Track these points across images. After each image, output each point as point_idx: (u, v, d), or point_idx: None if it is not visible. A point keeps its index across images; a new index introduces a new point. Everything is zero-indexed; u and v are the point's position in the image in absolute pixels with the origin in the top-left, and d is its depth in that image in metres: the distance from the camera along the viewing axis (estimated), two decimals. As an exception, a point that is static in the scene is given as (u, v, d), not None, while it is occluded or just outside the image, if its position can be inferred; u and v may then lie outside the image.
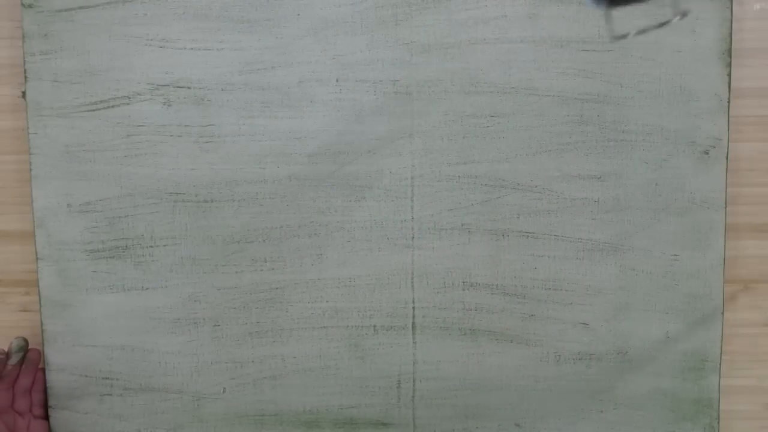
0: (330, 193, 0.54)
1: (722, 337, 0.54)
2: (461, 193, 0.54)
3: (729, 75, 0.52)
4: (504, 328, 0.55)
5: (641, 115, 0.53)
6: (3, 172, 0.57)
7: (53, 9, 0.53)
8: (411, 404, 0.56)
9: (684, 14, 0.42)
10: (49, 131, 0.54)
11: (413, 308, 0.55)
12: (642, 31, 0.45)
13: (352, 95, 0.53)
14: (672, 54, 0.52)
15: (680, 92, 0.53)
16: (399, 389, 0.56)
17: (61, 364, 0.55)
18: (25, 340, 0.53)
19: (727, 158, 0.53)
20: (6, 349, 0.53)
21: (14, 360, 0.53)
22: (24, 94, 0.54)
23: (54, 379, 0.56)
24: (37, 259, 0.55)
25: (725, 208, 0.53)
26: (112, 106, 0.54)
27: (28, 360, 0.54)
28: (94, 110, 0.54)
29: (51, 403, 0.56)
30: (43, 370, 0.56)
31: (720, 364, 0.54)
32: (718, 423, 0.55)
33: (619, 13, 0.43)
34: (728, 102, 0.53)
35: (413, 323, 0.55)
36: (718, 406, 0.55)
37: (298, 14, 0.53)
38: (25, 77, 0.54)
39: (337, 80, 0.53)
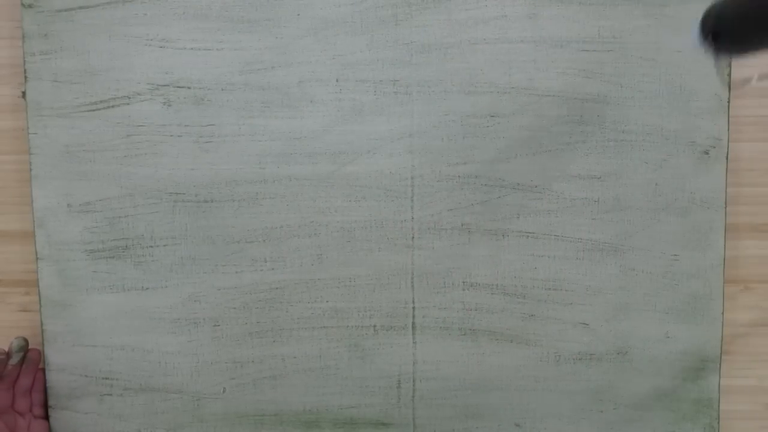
0: (330, 193, 0.54)
1: (722, 337, 0.54)
2: (461, 193, 0.54)
3: (729, 75, 0.52)
4: (504, 328, 0.55)
5: (641, 115, 0.53)
6: (3, 172, 0.57)
7: (53, 9, 0.53)
8: (411, 404, 0.56)
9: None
10: (49, 131, 0.54)
11: (413, 308, 0.55)
12: (765, 77, 0.43)
13: (352, 95, 0.53)
14: (672, 54, 0.52)
15: (680, 92, 0.53)
16: (399, 389, 0.56)
17: (61, 364, 0.55)
18: (26, 340, 0.53)
19: (727, 158, 0.53)
20: (6, 349, 0.53)
21: (15, 360, 0.53)
22: (24, 94, 0.54)
23: (54, 379, 0.56)
24: (37, 259, 0.55)
25: (725, 208, 0.53)
26: (112, 106, 0.54)
27: (29, 360, 0.54)
28: (94, 110, 0.54)
29: (51, 403, 0.56)
30: (43, 370, 0.56)
31: (720, 364, 0.54)
32: (718, 423, 0.55)
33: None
34: (728, 102, 0.53)
35: (413, 323, 0.55)
36: (718, 406, 0.55)
37: (298, 14, 0.53)
38: (25, 77, 0.54)
39: (337, 80, 0.53)
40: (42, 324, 0.55)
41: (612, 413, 0.55)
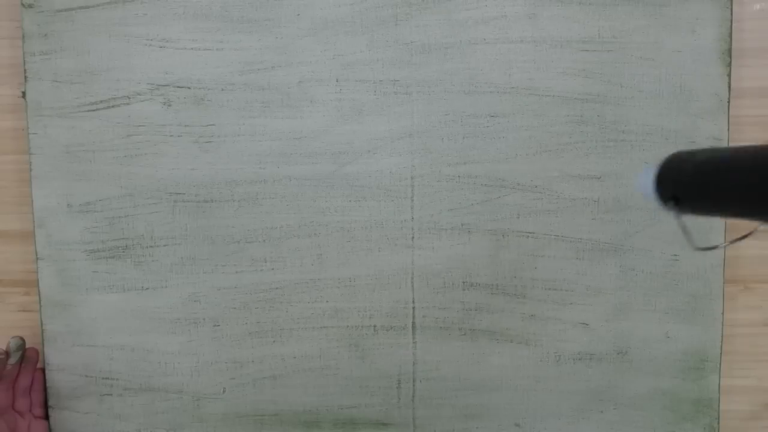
0: (330, 193, 0.54)
1: (722, 337, 0.54)
2: (461, 193, 0.54)
3: (729, 75, 0.52)
4: (504, 328, 0.55)
5: (641, 115, 0.53)
6: (3, 172, 0.57)
7: (53, 9, 0.53)
8: (411, 404, 0.56)
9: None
10: (49, 131, 0.54)
11: (413, 308, 0.55)
12: (733, 241, 0.42)
13: (352, 95, 0.53)
14: (672, 54, 0.52)
15: (680, 92, 0.53)
16: (399, 389, 0.56)
17: (61, 364, 0.55)
18: (22, 339, 0.53)
19: (727, 158, 0.53)
20: (4, 349, 0.52)
21: (13, 359, 0.53)
22: (24, 94, 0.54)
23: (54, 379, 0.56)
24: (37, 259, 0.55)
25: (725, 208, 0.53)
26: (112, 106, 0.54)
27: (27, 359, 0.54)
28: (94, 110, 0.54)
29: (51, 403, 0.56)
30: (43, 370, 0.56)
31: (720, 364, 0.54)
32: (718, 423, 0.55)
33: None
34: (728, 102, 0.53)
35: (413, 323, 0.55)
36: (718, 406, 0.55)
37: (298, 14, 0.53)
38: (25, 77, 0.54)
39: (337, 80, 0.53)
40: (42, 324, 0.55)
41: (612, 413, 0.55)
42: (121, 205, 0.54)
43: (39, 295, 0.55)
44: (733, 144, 0.54)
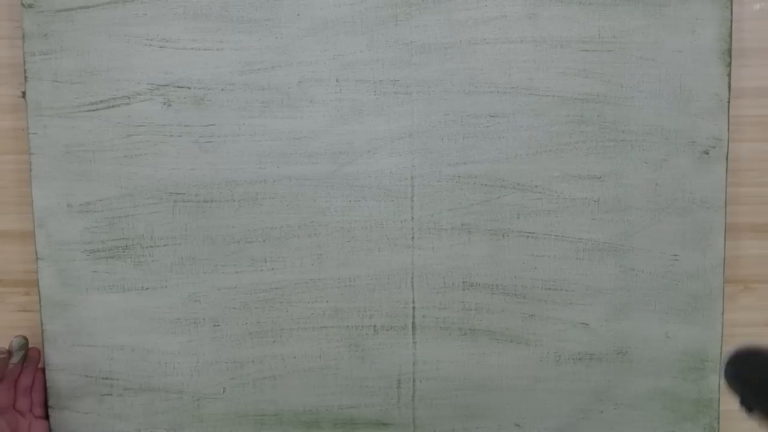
0: (330, 193, 0.54)
1: (722, 337, 0.54)
2: (461, 193, 0.54)
3: (729, 75, 0.52)
4: (504, 328, 0.55)
5: (641, 115, 0.53)
6: (3, 172, 0.57)
7: (53, 9, 0.53)
8: (411, 404, 0.56)
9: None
10: (49, 131, 0.54)
11: (413, 308, 0.55)
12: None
13: (352, 95, 0.53)
14: (672, 54, 0.52)
15: (680, 92, 0.53)
16: (399, 389, 0.56)
17: (61, 364, 0.55)
18: (25, 339, 0.53)
19: (727, 158, 0.53)
20: (7, 348, 0.52)
21: (16, 359, 0.53)
22: (24, 94, 0.54)
23: (54, 379, 0.56)
24: (37, 259, 0.55)
25: (725, 207, 0.53)
26: (112, 106, 0.54)
27: (29, 359, 0.54)
28: (94, 110, 0.54)
29: (51, 403, 0.56)
30: (43, 370, 0.56)
31: (720, 364, 0.54)
32: (718, 423, 0.55)
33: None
34: (728, 102, 0.53)
35: (413, 323, 0.55)
36: (718, 406, 0.55)
37: (298, 14, 0.53)
38: (25, 77, 0.54)
39: (337, 80, 0.53)
40: (42, 324, 0.55)
41: (612, 413, 0.55)
42: (121, 205, 0.54)
43: (39, 295, 0.55)
44: (733, 143, 0.54)
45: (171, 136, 0.54)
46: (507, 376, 0.55)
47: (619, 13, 0.52)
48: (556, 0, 0.52)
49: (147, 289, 0.55)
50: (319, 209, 0.54)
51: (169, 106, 0.54)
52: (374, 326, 0.55)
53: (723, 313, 0.54)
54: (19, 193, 0.57)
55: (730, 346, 0.41)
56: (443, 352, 0.55)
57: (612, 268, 0.54)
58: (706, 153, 0.53)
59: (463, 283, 0.54)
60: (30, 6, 0.53)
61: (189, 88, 0.54)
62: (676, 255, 0.54)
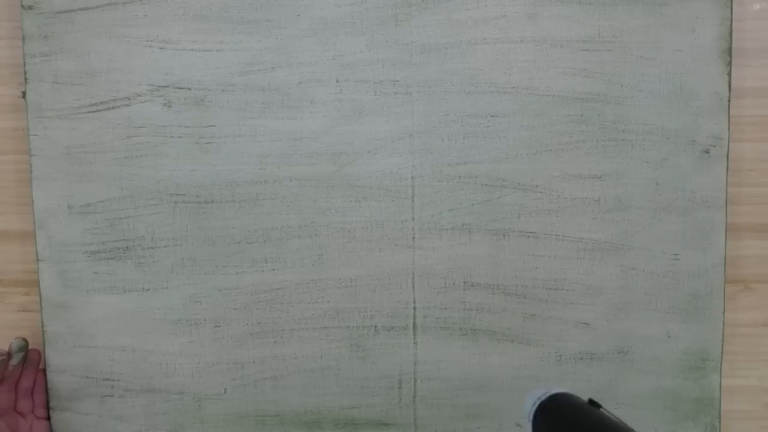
0: (330, 194, 0.54)
1: (723, 336, 0.54)
2: (462, 193, 0.54)
3: (729, 74, 0.52)
4: (505, 328, 0.55)
5: (641, 114, 0.53)
6: (2, 172, 0.57)
7: (53, 11, 0.53)
8: (412, 404, 0.56)
9: None
10: (49, 133, 0.54)
11: (414, 308, 0.55)
12: None
13: (352, 96, 0.53)
14: (672, 53, 0.52)
15: (680, 91, 0.53)
16: (400, 389, 0.56)
17: (62, 365, 0.55)
18: (25, 340, 0.53)
19: (727, 157, 0.53)
20: (6, 350, 0.52)
21: (15, 360, 0.53)
22: (24, 93, 0.54)
23: (55, 380, 0.56)
24: (37, 260, 0.55)
25: (726, 207, 0.53)
26: (113, 108, 0.54)
27: (29, 360, 0.54)
28: (94, 111, 0.54)
29: (52, 404, 0.56)
30: (44, 371, 0.56)
31: (721, 363, 0.54)
32: (720, 422, 0.55)
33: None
34: (728, 101, 0.53)
35: (414, 323, 0.55)
36: (720, 405, 0.55)
37: (298, 15, 0.53)
38: (26, 79, 0.54)
39: (337, 81, 0.53)
40: (43, 325, 0.55)
41: (613, 412, 0.55)
42: (121, 207, 0.54)
43: (40, 296, 0.55)
44: (734, 143, 0.54)
45: (171, 137, 0.54)
46: (508, 376, 0.55)
47: (619, 13, 0.52)
48: (556, 0, 0.52)
49: (148, 290, 0.55)
50: (319, 210, 0.54)
51: (170, 107, 0.54)
52: (375, 326, 0.55)
53: (724, 312, 0.54)
54: (18, 193, 0.57)
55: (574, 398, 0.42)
56: (444, 353, 0.55)
57: (613, 268, 0.54)
58: (707, 152, 0.53)
59: (464, 283, 0.54)
60: (30, 8, 0.53)
61: (189, 89, 0.54)
62: (676, 254, 0.54)
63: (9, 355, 0.52)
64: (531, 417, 0.40)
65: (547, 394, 0.40)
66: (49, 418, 0.56)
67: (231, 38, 0.53)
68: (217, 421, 0.56)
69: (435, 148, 0.54)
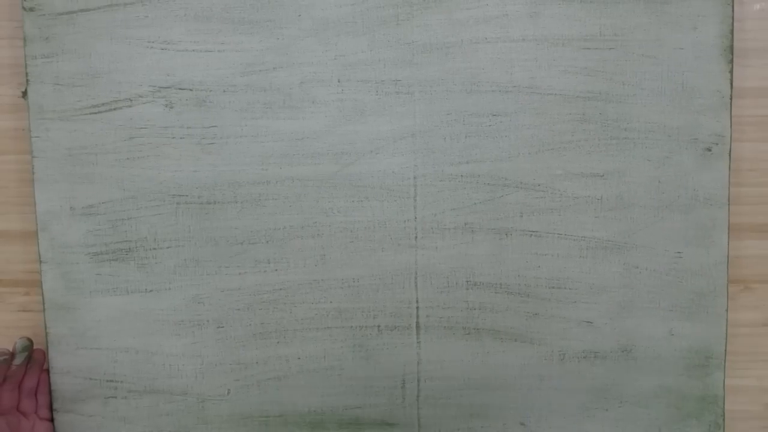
0: (333, 194, 0.54)
1: (726, 334, 0.54)
2: (464, 193, 0.54)
3: (731, 71, 0.53)
4: (508, 327, 0.55)
5: (643, 112, 0.53)
6: (4, 172, 0.57)
7: (54, 12, 0.53)
8: (416, 404, 0.56)
9: None
10: (51, 134, 0.54)
11: (417, 308, 0.55)
12: None
13: (353, 95, 0.53)
14: (673, 51, 0.52)
15: (682, 89, 0.53)
16: (403, 389, 0.55)
17: (66, 366, 0.55)
18: (30, 340, 0.53)
19: (729, 155, 0.53)
20: (10, 350, 0.52)
21: (19, 360, 0.52)
22: (24, 93, 0.54)
23: (58, 381, 0.56)
24: (40, 262, 0.55)
25: (728, 204, 0.53)
26: (114, 109, 0.54)
27: (33, 360, 0.54)
28: (96, 113, 0.54)
29: (55, 406, 0.56)
30: (48, 372, 0.55)
31: (725, 361, 0.54)
32: (723, 420, 0.55)
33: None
34: (730, 98, 0.53)
35: (417, 323, 0.55)
36: (723, 403, 0.55)
37: (299, 15, 0.53)
38: (27, 80, 0.53)
39: (338, 81, 0.53)
40: (46, 327, 0.55)
41: (617, 411, 0.55)
42: (123, 208, 0.54)
43: (42, 297, 0.55)
44: (734, 142, 0.54)
45: (173, 138, 0.54)
46: (511, 375, 0.55)
47: (620, 11, 0.52)
48: (557, -2, 0.52)
49: (150, 291, 0.55)
50: (322, 210, 0.54)
51: (171, 108, 0.54)
52: (378, 326, 0.55)
53: (727, 310, 0.54)
54: (20, 193, 0.57)
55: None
56: (447, 352, 0.55)
57: (615, 266, 0.54)
58: (709, 150, 0.53)
59: (467, 282, 0.54)
60: (31, 9, 0.53)
61: (191, 89, 0.54)
62: (679, 252, 0.54)
63: (12, 354, 0.52)
64: None
65: None
66: (52, 420, 0.56)
67: (232, 39, 0.53)
68: (221, 421, 0.56)
69: (437, 147, 0.54)
